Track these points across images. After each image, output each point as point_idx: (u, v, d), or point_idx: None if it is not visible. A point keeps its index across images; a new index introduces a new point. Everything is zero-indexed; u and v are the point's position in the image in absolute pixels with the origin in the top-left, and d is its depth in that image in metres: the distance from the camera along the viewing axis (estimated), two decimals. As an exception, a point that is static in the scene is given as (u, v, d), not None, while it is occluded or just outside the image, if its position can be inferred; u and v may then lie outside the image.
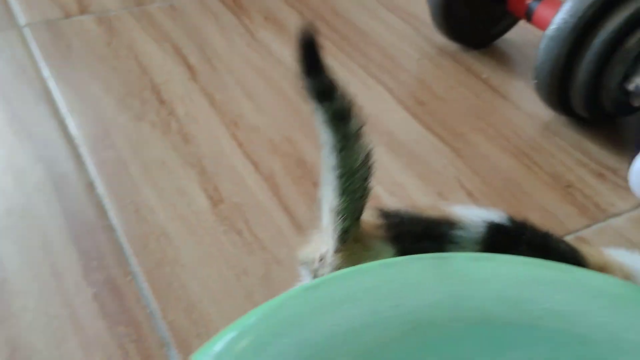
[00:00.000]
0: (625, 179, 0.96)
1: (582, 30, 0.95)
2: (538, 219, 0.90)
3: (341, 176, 0.51)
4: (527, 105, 1.12)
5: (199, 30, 1.26)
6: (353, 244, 0.53)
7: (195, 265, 0.79)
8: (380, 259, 0.47)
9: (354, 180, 0.51)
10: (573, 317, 0.36)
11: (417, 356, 0.33)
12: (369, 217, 0.55)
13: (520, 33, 1.28)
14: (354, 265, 0.40)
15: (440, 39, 1.27)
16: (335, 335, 0.33)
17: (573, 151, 1.03)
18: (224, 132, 1.00)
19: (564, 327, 0.35)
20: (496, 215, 0.54)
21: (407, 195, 0.92)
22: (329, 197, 0.52)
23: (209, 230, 0.83)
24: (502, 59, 1.24)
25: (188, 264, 0.79)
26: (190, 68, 1.15)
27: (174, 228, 0.83)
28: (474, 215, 0.54)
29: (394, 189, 0.93)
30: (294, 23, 1.31)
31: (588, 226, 0.91)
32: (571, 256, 0.54)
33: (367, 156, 0.51)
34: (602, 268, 0.53)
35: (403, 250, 0.52)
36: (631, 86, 0.97)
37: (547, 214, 0.92)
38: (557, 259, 0.46)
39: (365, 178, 0.52)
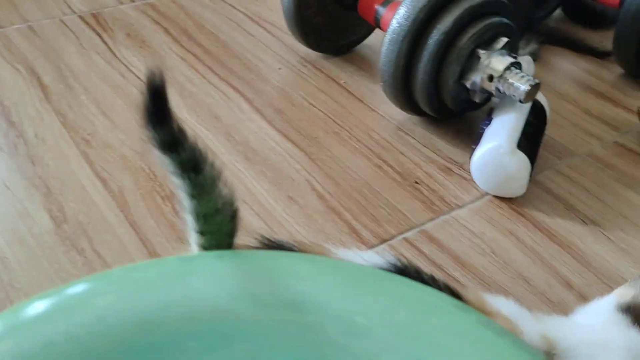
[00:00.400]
0: (469, 172, 1.00)
1: (416, 32, 0.99)
2: (385, 216, 0.94)
3: (198, 219, 0.49)
4: (381, 108, 1.15)
5: (58, 51, 1.24)
6: None
7: (31, 287, 0.77)
8: None
9: (215, 221, 0.49)
10: (303, 306, 0.37)
11: (143, 356, 0.34)
12: (248, 241, 0.55)
13: (380, 38, 1.32)
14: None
15: (303, 48, 1.29)
16: (55, 342, 0.33)
17: (423, 148, 1.07)
18: (74, 151, 0.99)
19: (293, 316, 0.37)
20: (383, 260, 0.54)
21: (258, 201, 0.93)
22: (193, 235, 0.50)
23: (48, 251, 0.82)
24: (361, 65, 1.27)
25: (24, 287, 0.77)
26: (43, 88, 1.13)
27: (11, 252, 0.82)
28: (360, 259, 0.53)
29: (245, 197, 0.94)
30: (157, 39, 1.31)
31: (432, 219, 0.94)
32: (447, 292, 0.51)
33: (228, 203, 0.50)
34: (481, 308, 0.51)
35: None
36: (468, 83, 1.01)
37: (394, 209, 0.95)
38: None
39: (231, 216, 0.50)
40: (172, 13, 1.41)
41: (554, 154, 1.09)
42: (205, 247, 0.49)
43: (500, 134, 0.96)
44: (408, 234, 0.91)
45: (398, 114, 1.14)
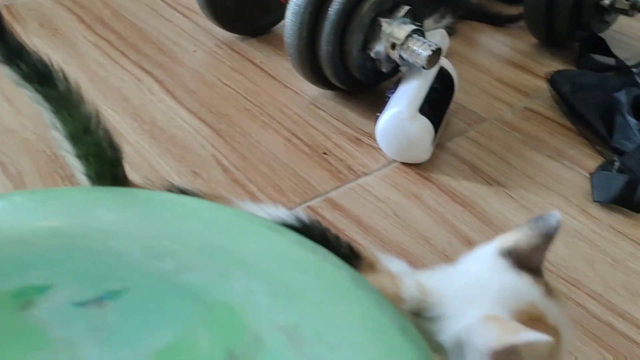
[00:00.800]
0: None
1: (316, 3, 0.99)
2: (291, 186, 0.93)
3: (67, 138, 0.51)
4: (296, 85, 1.15)
5: (-34, 42, 1.21)
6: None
7: None
8: None
9: (86, 143, 0.51)
10: (108, 234, 0.37)
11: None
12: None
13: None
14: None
15: (220, 31, 1.29)
16: None
17: (334, 121, 1.08)
18: (-26, 137, 0.97)
19: (92, 243, 0.36)
20: (284, 214, 0.53)
21: (161, 177, 0.92)
22: (71, 160, 0.52)
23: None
24: (278, 45, 1.27)
25: None
26: (-53, 79, 1.10)
27: None
28: (262, 212, 0.53)
29: (148, 173, 0.93)
30: (70, 28, 1.29)
31: (338, 187, 0.94)
32: (349, 252, 0.53)
33: (102, 128, 0.52)
34: (372, 266, 0.52)
35: None
36: (372, 52, 1.02)
37: (301, 180, 0.95)
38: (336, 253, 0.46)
39: (109, 143, 0.52)
40: (88, 2, 1.39)
41: (464, 121, 1.10)
42: (88, 175, 0.50)
43: (403, 100, 0.97)
44: (312, 202, 0.91)
45: (312, 90, 1.14)
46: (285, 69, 1.20)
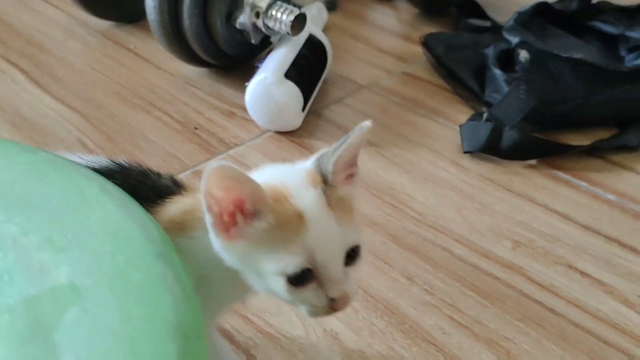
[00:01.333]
0: (251, 113, 0.99)
1: (174, -24, 0.97)
2: (159, 162, 0.90)
3: None
4: (170, 66, 1.13)
5: None
6: None
7: None
8: None
9: None
10: None
11: None
12: None
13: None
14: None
15: (95, 20, 1.25)
16: None
17: (208, 97, 1.05)
18: None
19: None
20: (97, 159, 0.52)
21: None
22: None
23: None
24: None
25: None
26: None
27: None
28: (77, 159, 0.51)
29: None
30: None
31: (208, 159, 0.92)
32: (172, 183, 0.52)
33: None
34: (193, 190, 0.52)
35: None
36: (237, 23, 1.00)
37: (169, 155, 0.92)
38: (156, 185, 0.50)
39: None
40: (-47, 0, 1.33)
41: (341, 89, 1.09)
42: None
43: (269, 67, 0.95)
44: (180, 176, 0.89)
45: (187, 70, 1.11)
46: (159, 52, 1.16)
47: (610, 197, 0.87)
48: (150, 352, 0.28)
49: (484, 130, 0.92)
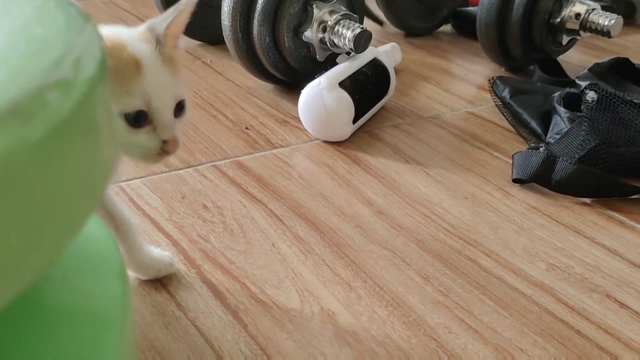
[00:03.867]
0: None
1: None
2: (201, 148, 0.92)
3: None
4: (239, 79, 1.16)
5: None
6: None
7: None
8: None
9: None
10: None
11: None
12: None
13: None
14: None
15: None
16: None
17: (266, 106, 1.07)
18: None
19: None
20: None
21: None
22: None
23: None
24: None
25: None
26: None
27: None
28: None
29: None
30: None
31: (250, 154, 0.92)
32: None
33: None
34: None
35: None
36: (303, 37, 1.03)
37: (213, 144, 0.94)
38: None
39: None
40: None
41: (399, 116, 1.08)
42: None
43: (325, 75, 0.96)
44: (219, 163, 0.89)
45: (253, 83, 1.14)
46: (233, 67, 1.21)
47: (669, 242, 0.78)
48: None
49: (535, 158, 0.88)
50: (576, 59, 1.39)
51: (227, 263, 0.69)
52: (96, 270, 0.35)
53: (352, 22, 1.00)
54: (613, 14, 1.19)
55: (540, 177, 0.87)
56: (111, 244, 0.38)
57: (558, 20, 1.22)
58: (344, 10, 1.02)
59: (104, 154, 0.31)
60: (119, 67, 0.49)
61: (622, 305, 0.67)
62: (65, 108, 0.27)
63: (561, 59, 1.31)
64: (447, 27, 1.56)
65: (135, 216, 0.66)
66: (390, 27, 1.49)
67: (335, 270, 0.69)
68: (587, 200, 0.86)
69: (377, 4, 1.46)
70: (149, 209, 0.78)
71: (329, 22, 1.00)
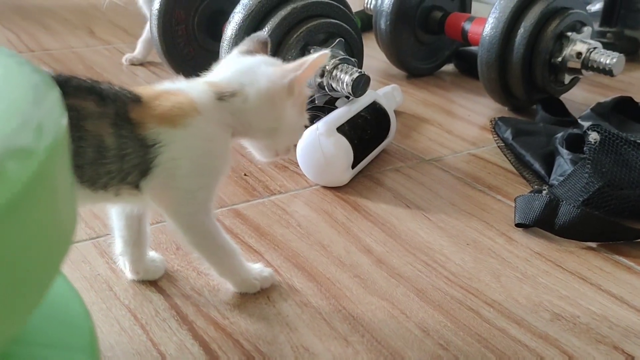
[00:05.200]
0: (302, 167, 0.98)
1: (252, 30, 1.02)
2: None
3: None
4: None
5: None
6: None
7: None
8: None
9: None
10: None
11: None
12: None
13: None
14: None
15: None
16: None
17: (266, 152, 1.06)
18: None
19: None
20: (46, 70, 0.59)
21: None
22: None
23: None
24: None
25: None
26: None
27: None
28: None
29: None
30: None
31: (247, 201, 0.91)
32: (129, 94, 0.62)
33: None
34: (156, 97, 0.63)
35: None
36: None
37: (211, 194, 0.92)
38: (114, 97, 0.60)
39: None
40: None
41: (400, 159, 1.07)
42: None
43: (323, 119, 0.95)
44: (216, 211, 0.88)
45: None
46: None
47: (678, 288, 0.76)
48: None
49: (538, 202, 0.86)
50: (580, 97, 1.38)
51: (221, 318, 0.67)
52: (64, 345, 0.34)
53: (350, 66, 0.99)
54: (615, 53, 1.18)
55: (543, 222, 0.85)
56: (81, 312, 0.37)
57: (559, 59, 1.21)
58: (342, 54, 1.02)
59: (64, 219, 0.30)
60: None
61: (631, 357, 0.65)
62: (23, 177, 0.26)
63: (565, 97, 1.30)
64: (449, 67, 1.56)
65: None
66: (392, 68, 1.49)
67: (332, 324, 0.67)
68: (593, 244, 0.84)
69: (378, 45, 1.47)
70: (142, 261, 0.76)
71: (327, 67, 1.00)
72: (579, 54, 1.20)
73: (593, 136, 0.93)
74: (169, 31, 1.25)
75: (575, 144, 0.99)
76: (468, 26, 1.38)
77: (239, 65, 0.68)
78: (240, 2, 1.04)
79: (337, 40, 1.03)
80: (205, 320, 0.67)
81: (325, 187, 0.96)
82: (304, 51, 1.02)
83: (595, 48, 1.20)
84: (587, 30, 1.22)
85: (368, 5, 1.53)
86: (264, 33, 0.74)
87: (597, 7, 1.74)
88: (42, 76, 0.31)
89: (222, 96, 0.65)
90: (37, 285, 0.28)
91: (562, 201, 0.85)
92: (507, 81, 1.25)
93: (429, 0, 1.44)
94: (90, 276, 0.73)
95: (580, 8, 1.25)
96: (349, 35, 1.05)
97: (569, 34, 1.21)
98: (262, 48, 0.72)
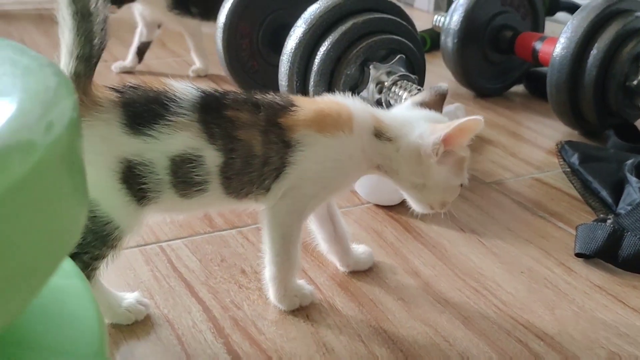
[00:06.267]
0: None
1: (309, 48, 1.01)
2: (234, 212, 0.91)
3: (75, 14, 0.56)
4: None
5: None
6: (83, 96, 0.58)
7: None
8: (109, 115, 0.58)
9: (87, 23, 0.57)
10: None
11: None
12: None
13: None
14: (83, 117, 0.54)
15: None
16: None
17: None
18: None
19: None
20: (205, 86, 0.65)
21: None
22: (65, 37, 0.57)
23: None
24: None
25: None
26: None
27: None
28: (188, 86, 0.63)
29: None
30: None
31: (297, 216, 0.90)
32: (280, 101, 0.65)
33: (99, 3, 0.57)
34: (315, 104, 0.67)
35: (133, 112, 0.60)
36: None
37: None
38: (267, 105, 0.63)
39: (101, 27, 0.58)
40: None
41: (459, 181, 1.03)
42: (73, 50, 0.57)
43: (378, 137, 0.93)
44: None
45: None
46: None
47: None
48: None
49: (601, 232, 0.81)
50: (658, 123, 1.30)
51: (257, 334, 0.66)
52: (71, 350, 0.33)
53: (409, 82, 0.97)
54: (695, 77, 1.11)
55: (605, 253, 0.80)
56: (92, 316, 0.36)
57: (635, 82, 1.15)
58: (402, 71, 1.00)
59: (65, 214, 0.29)
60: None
61: (694, 406, 0.59)
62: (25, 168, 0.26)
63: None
64: (520, 88, 1.51)
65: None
66: (460, 87, 1.45)
67: (370, 347, 0.65)
68: (660, 280, 0.78)
69: (445, 64, 1.43)
70: (185, 271, 0.76)
71: (386, 83, 0.98)
72: (656, 77, 1.13)
73: (666, 165, 0.87)
74: (233, 44, 1.27)
75: (646, 170, 0.93)
76: (539, 46, 1.33)
77: (405, 115, 0.70)
78: (302, 16, 1.04)
79: (398, 56, 1.01)
80: (241, 335, 0.66)
81: (377, 206, 0.94)
82: (363, 67, 1.00)
83: (674, 72, 1.13)
84: (666, 52, 1.16)
85: (437, 23, 1.50)
86: (445, 85, 0.73)
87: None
88: (61, 78, 0.31)
89: (380, 135, 0.67)
90: (29, 275, 0.27)
91: (627, 232, 0.80)
92: (578, 104, 1.19)
93: (499, 19, 1.40)
94: (133, 283, 0.73)
95: (660, 29, 1.18)
96: (410, 52, 1.03)
97: (646, 56, 1.15)
98: (439, 99, 0.73)
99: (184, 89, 0.62)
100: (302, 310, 0.70)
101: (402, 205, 0.93)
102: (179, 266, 0.77)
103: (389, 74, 0.99)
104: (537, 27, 1.45)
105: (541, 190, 1.01)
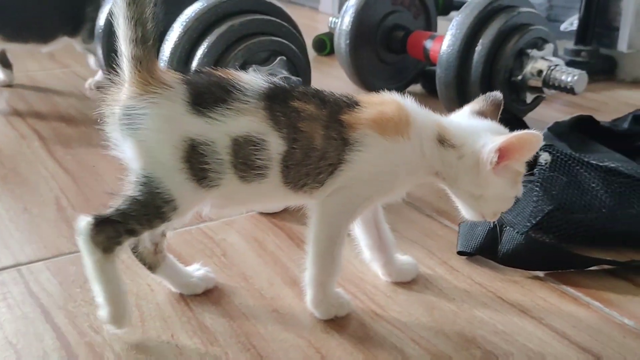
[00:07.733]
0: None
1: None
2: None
3: (129, 3, 0.59)
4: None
5: None
6: (149, 77, 0.60)
7: None
8: (176, 95, 0.60)
9: (142, 7, 0.59)
10: None
11: None
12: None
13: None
14: (149, 96, 0.59)
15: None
16: None
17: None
18: None
19: None
20: (276, 78, 0.67)
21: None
22: (120, 24, 0.60)
23: None
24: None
25: None
26: None
27: None
28: (257, 77, 0.65)
29: None
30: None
31: (174, 229, 0.85)
32: (346, 99, 0.66)
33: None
34: (380, 103, 0.67)
35: (196, 90, 0.61)
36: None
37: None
38: (332, 102, 0.64)
39: (151, 11, 0.60)
40: (17, 81, 1.42)
41: (348, 183, 1.01)
42: (131, 37, 0.59)
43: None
44: (138, 240, 0.82)
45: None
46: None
47: (627, 321, 0.70)
48: None
49: (481, 228, 0.80)
50: (550, 117, 1.32)
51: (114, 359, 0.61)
52: None
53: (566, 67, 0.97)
54: (576, 70, 1.13)
55: (485, 249, 0.79)
56: None
57: (519, 78, 1.16)
58: (283, 73, 0.97)
59: None
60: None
61: (565, 401, 0.58)
62: None
63: (534, 117, 1.25)
64: (417, 87, 1.51)
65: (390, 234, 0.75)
66: (356, 89, 1.44)
67: (236, 365, 0.61)
68: (540, 273, 0.78)
69: (341, 66, 1.42)
70: (43, 295, 0.70)
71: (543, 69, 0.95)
72: (539, 71, 1.15)
73: (544, 157, 0.88)
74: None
75: (528, 165, 0.93)
76: (429, 44, 1.33)
77: (470, 123, 0.70)
78: (178, 19, 0.99)
79: (279, 58, 0.98)
80: None
81: (261, 213, 0.90)
82: (243, 70, 0.97)
83: (556, 66, 1.15)
84: (548, 47, 1.17)
85: (332, 25, 1.49)
86: (499, 94, 0.73)
87: (568, 24, 1.69)
88: None
89: (444, 142, 0.67)
90: None
91: (506, 227, 0.79)
92: (466, 100, 1.19)
93: (391, 19, 1.40)
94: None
95: (542, 24, 1.20)
96: (292, 54, 1.00)
97: (529, 51, 1.16)
98: (494, 109, 0.73)
99: (250, 79, 0.64)
100: (169, 329, 0.66)
101: (286, 212, 0.90)
102: (36, 290, 0.71)
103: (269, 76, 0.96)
104: (430, 26, 1.46)
105: (430, 189, 1.00)
